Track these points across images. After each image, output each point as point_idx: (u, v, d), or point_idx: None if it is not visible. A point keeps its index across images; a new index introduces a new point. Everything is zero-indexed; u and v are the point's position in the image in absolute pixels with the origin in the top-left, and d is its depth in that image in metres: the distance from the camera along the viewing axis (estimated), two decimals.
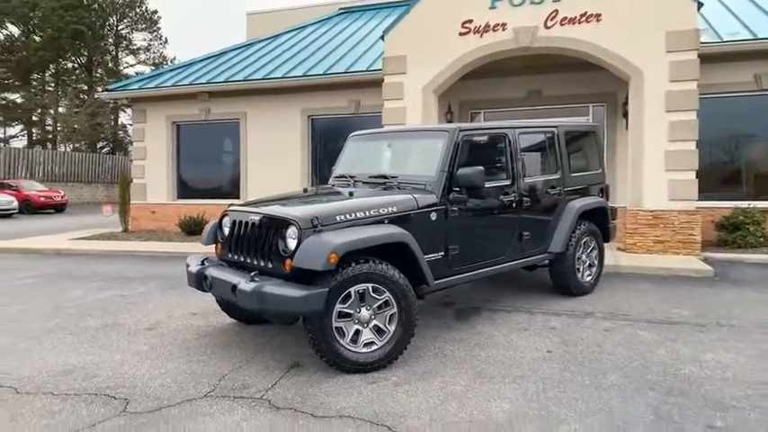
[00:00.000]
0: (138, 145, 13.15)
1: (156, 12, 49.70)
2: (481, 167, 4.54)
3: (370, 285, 3.85)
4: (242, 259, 4.28)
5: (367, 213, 4.09)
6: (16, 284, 7.25)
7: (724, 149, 9.43)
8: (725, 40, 8.60)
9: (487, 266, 4.96)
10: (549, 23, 8.43)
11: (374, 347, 3.90)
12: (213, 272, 4.23)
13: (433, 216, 4.46)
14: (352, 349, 3.84)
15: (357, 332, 3.87)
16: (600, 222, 6.15)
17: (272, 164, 11.69)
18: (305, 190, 5.36)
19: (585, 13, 8.26)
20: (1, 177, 27.35)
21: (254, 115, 12.04)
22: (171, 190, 12.93)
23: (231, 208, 4.61)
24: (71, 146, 46.51)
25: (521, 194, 5.19)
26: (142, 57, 50.83)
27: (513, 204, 5.13)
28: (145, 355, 4.33)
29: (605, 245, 6.27)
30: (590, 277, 6.01)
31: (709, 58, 8.43)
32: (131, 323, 5.23)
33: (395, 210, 4.23)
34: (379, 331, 3.93)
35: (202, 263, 4.46)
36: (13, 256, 10.04)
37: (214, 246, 4.69)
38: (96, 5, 47.07)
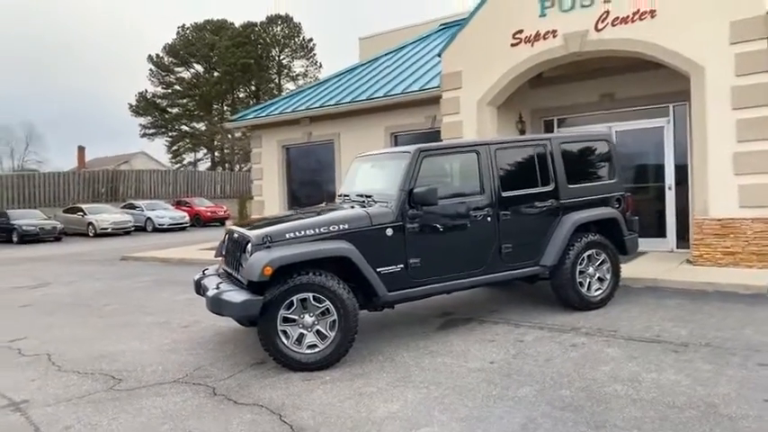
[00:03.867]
0: (256, 167, 14.98)
1: (311, 39, 54.26)
2: (434, 186, 4.83)
3: (311, 295, 4.41)
4: (229, 270, 5.11)
5: (317, 231, 4.64)
6: (127, 287, 8.99)
7: None
8: None
9: (458, 279, 5.17)
10: (600, 26, 8.10)
11: (316, 350, 4.44)
12: (205, 281, 5.10)
13: (389, 231, 4.85)
14: (296, 350, 4.42)
15: (301, 335, 4.44)
16: (613, 234, 5.90)
17: None
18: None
19: (638, 10, 7.79)
20: (180, 196, 32.31)
21: (346, 135, 13.06)
22: (282, 205, 14.50)
23: (230, 226, 5.47)
24: (246, 166, 52.74)
25: (497, 208, 5.30)
26: (300, 82, 55.90)
27: (488, 218, 5.27)
28: (164, 347, 5.36)
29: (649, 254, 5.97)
30: (599, 291, 5.80)
31: None
32: (177, 322, 6.35)
33: (346, 227, 4.72)
34: (321, 335, 4.46)
35: (203, 272, 5.38)
36: (152, 264, 12.22)
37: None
38: (261, 40, 52.89)
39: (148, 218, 24.54)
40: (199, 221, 27.06)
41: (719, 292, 6.27)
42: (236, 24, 52.08)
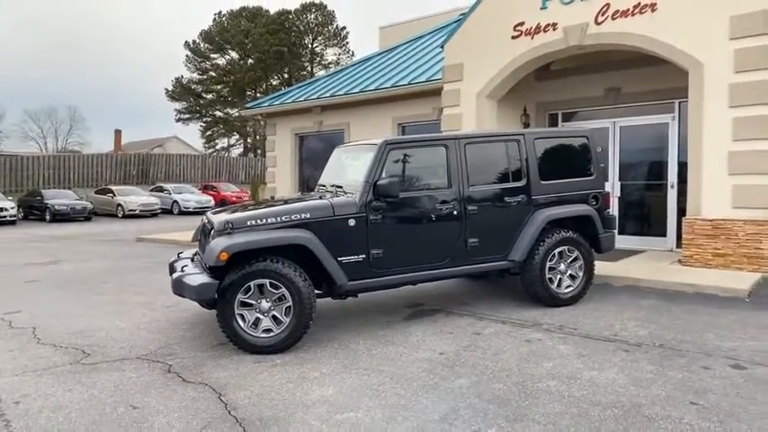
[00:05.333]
0: (270, 154, 15.25)
1: (344, 27, 54.37)
2: (396, 178, 4.92)
3: (267, 281, 4.56)
4: (201, 254, 5.30)
5: (278, 219, 4.78)
6: (130, 267, 9.35)
7: None
8: None
9: (422, 271, 5.24)
10: (600, 19, 7.94)
11: (271, 334, 4.60)
12: (177, 263, 5.32)
13: (352, 222, 4.95)
14: (252, 333, 4.58)
15: (258, 320, 4.60)
16: (588, 231, 5.86)
17: None
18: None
19: (639, 3, 7.61)
20: (209, 180, 33.07)
21: (356, 125, 13.16)
22: (294, 192, 14.73)
23: (207, 213, 5.66)
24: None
25: (464, 203, 5.34)
26: (332, 70, 55.94)
27: (455, 212, 5.31)
28: (140, 325, 5.61)
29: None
30: (570, 289, 5.78)
31: None
32: (161, 302, 6.61)
33: (308, 216, 4.84)
34: (277, 321, 4.62)
35: (178, 255, 5.60)
36: (164, 245, 12.63)
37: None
38: (295, 28, 53.26)
39: (175, 201, 25.23)
40: (224, 205, 27.62)
41: (698, 294, 6.16)
42: (271, 12, 52.58)
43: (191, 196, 25.77)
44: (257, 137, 55.53)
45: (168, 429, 3.30)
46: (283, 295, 4.59)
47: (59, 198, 22.44)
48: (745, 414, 3.29)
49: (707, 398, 3.52)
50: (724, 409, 3.36)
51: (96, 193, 25.38)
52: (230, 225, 4.67)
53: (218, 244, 4.48)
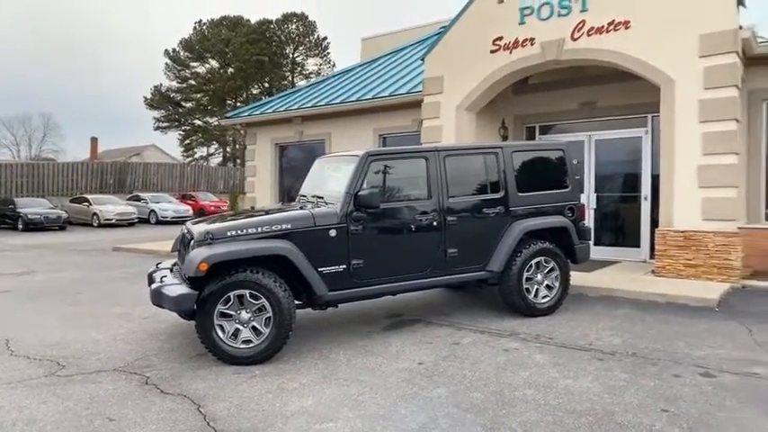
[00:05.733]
0: (249, 164, 15.20)
1: (325, 38, 54.56)
2: (376, 190, 4.97)
3: (247, 291, 4.56)
4: (180, 265, 5.28)
5: (259, 230, 4.79)
6: (106, 278, 9.23)
7: None
8: None
9: (402, 281, 5.29)
10: (576, 35, 8.15)
11: (251, 345, 4.59)
12: (156, 274, 5.28)
13: (333, 232, 4.98)
14: (231, 344, 4.57)
15: (237, 330, 4.59)
16: (564, 242, 5.98)
17: None
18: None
19: (613, 21, 7.84)
20: (187, 189, 32.74)
21: (337, 135, 13.21)
22: (274, 202, 14.69)
23: (186, 223, 5.64)
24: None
25: (444, 214, 5.42)
26: (313, 80, 55.99)
27: (434, 223, 5.38)
28: (117, 337, 5.54)
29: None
30: (546, 299, 5.88)
31: None
32: (138, 313, 6.54)
33: (289, 226, 4.86)
34: (256, 331, 4.61)
35: (156, 266, 5.56)
36: (140, 255, 12.47)
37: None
38: (276, 37, 53.28)
39: (152, 210, 24.93)
40: (202, 215, 27.36)
41: (670, 304, 6.32)
42: (252, 21, 52.54)
43: (168, 206, 25.50)
44: (237, 146, 55.21)
45: None
46: (263, 306, 4.59)
47: (33, 207, 22.01)
48: (713, 420, 3.40)
49: (677, 405, 3.62)
50: (693, 416, 3.46)
51: (71, 201, 24.94)
52: (210, 235, 4.67)
53: (198, 254, 4.47)
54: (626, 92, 9.15)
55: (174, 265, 5.63)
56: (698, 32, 7.22)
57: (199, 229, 4.81)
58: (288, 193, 14.65)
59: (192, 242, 4.72)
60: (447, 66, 9.51)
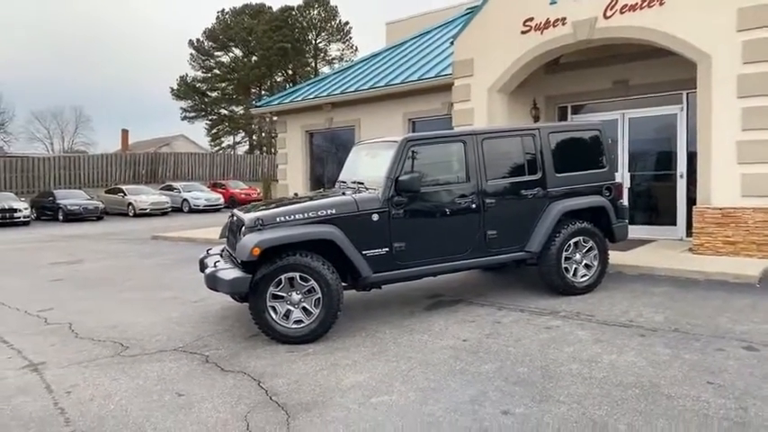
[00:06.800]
0: (281, 152, 15.45)
1: (347, 23, 54.37)
2: (417, 175, 5.10)
3: (297, 274, 4.77)
4: (230, 250, 5.51)
5: (306, 215, 4.98)
6: (151, 264, 9.59)
7: None
8: None
9: (443, 263, 5.44)
10: (609, 13, 8.08)
11: (302, 325, 4.80)
12: (208, 259, 5.53)
13: (375, 217, 5.15)
14: (284, 324, 4.79)
15: (288, 311, 4.81)
16: (602, 222, 6.04)
17: None
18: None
19: None
20: (217, 178, 33.32)
21: (366, 121, 13.34)
22: (306, 189, 14.92)
23: (234, 210, 5.87)
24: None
25: (482, 196, 5.53)
26: (336, 65, 56.02)
27: (473, 205, 5.50)
28: (172, 320, 5.83)
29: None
30: (585, 277, 5.96)
31: None
32: (188, 297, 6.83)
33: (334, 212, 5.04)
34: (307, 312, 4.82)
35: (207, 252, 5.81)
36: (179, 243, 12.87)
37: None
38: (298, 24, 53.32)
39: (185, 199, 25.49)
40: (233, 203, 27.89)
41: (710, 281, 6.34)
42: (274, 8, 52.69)
43: (200, 194, 26.03)
44: (263, 134, 55.75)
45: (216, 413, 3.51)
46: (312, 287, 4.80)
47: (71, 198, 22.74)
48: (759, 392, 3.48)
49: (722, 377, 3.71)
50: (739, 387, 3.55)
51: (107, 192, 25.68)
52: (260, 221, 4.87)
53: (251, 239, 4.68)
54: (660, 69, 9.04)
55: (223, 250, 5.87)
56: (736, 6, 7.10)
57: (249, 215, 5.01)
58: (319, 180, 14.88)
59: (243, 228, 4.93)
60: (477, 48, 9.52)
